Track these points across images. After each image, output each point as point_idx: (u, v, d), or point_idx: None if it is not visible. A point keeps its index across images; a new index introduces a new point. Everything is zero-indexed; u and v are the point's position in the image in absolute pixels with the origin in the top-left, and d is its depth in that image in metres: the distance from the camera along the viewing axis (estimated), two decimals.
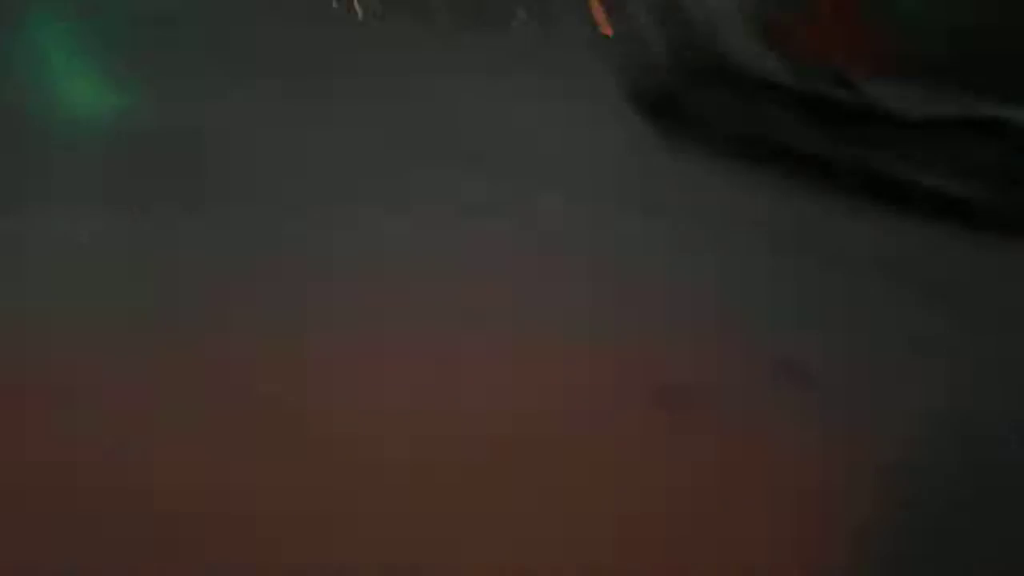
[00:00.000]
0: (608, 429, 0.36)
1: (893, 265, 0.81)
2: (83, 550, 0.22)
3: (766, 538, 0.31)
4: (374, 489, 0.27)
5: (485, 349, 0.41)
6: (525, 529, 0.27)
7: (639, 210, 0.91)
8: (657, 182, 1.06)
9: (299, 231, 0.54)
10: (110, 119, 0.74)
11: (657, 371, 0.44)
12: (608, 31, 1.27)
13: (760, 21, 1.17)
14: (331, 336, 0.38)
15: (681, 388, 0.41)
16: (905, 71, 1.11)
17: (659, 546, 0.29)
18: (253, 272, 0.45)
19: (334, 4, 1.57)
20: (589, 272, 0.61)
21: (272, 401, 0.31)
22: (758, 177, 1.10)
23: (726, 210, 0.99)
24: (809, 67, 1.09)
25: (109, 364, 0.32)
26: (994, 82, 1.10)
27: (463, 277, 0.51)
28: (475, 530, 0.27)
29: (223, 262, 0.46)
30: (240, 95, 0.97)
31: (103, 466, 0.24)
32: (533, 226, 0.69)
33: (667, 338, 0.51)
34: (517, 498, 0.29)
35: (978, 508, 0.38)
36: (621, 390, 0.41)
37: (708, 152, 1.16)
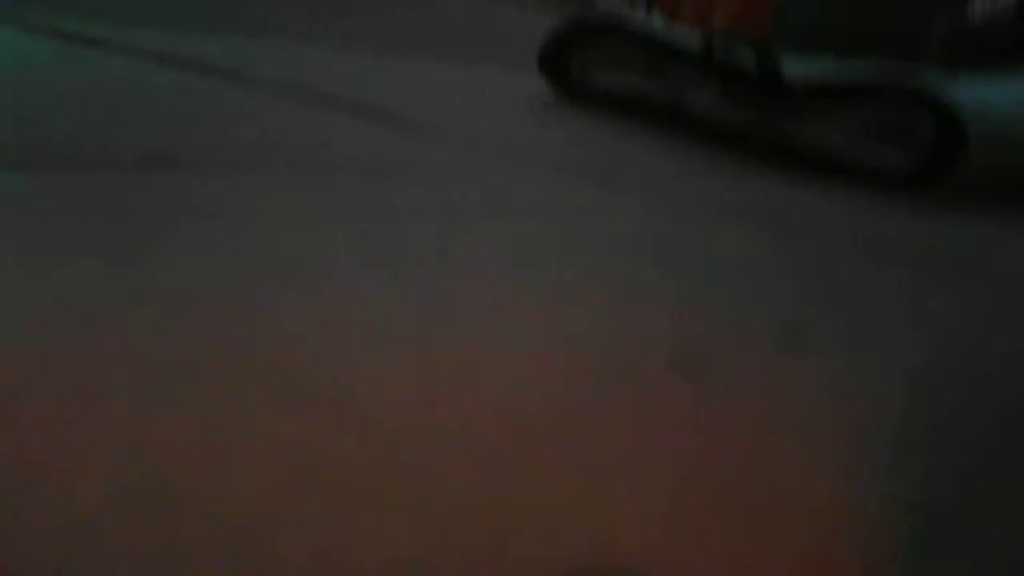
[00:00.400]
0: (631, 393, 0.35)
1: (829, 227, 0.81)
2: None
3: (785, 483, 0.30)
4: (395, 467, 0.26)
5: (496, 323, 0.40)
6: (553, 506, 0.26)
7: (578, 176, 0.90)
8: (572, 148, 1.06)
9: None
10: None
11: (671, 336, 0.43)
12: None
13: None
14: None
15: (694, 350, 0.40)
16: (782, 40, 1.15)
17: (686, 506, 0.28)
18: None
19: None
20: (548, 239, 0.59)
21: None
22: (657, 141, 1.11)
23: (649, 177, 0.99)
24: (710, 34, 1.11)
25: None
26: (863, 47, 1.15)
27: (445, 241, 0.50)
28: (503, 504, 0.25)
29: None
30: None
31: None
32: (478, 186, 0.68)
33: (673, 305, 0.49)
34: (548, 473, 0.27)
35: (974, 448, 0.38)
36: (640, 355, 0.39)
37: (603, 114, 1.18)
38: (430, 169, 0.70)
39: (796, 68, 1.11)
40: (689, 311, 0.48)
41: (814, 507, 0.30)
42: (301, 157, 0.65)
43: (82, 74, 0.82)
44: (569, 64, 1.26)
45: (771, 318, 0.48)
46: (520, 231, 0.57)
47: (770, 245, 0.68)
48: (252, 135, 0.70)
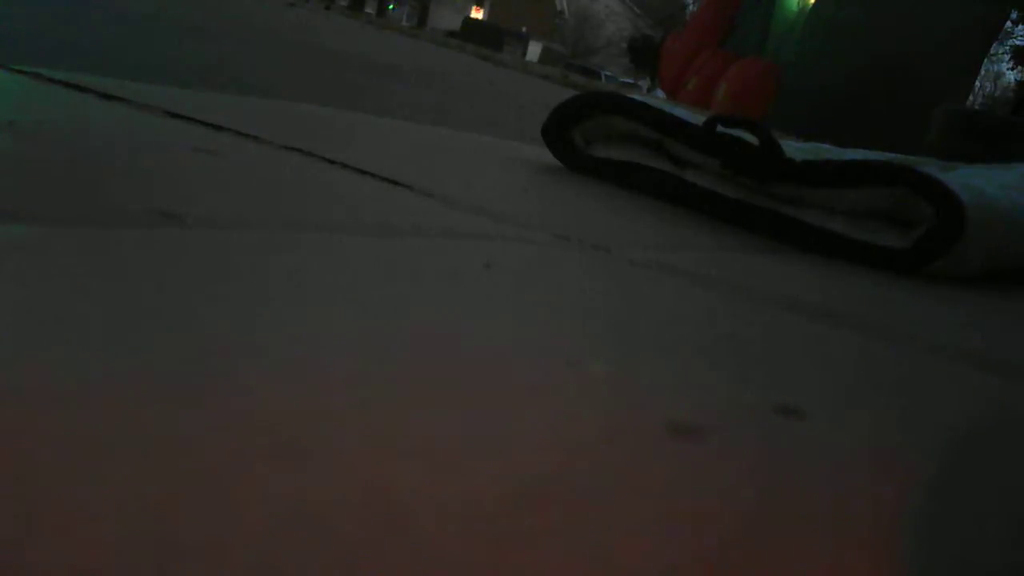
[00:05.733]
0: (624, 462, 0.35)
1: (817, 305, 0.82)
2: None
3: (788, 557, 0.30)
4: (380, 531, 0.26)
5: (489, 386, 0.40)
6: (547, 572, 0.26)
7: (565, 243, 0.91)
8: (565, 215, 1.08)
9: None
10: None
11: (663, 411, 0.43)
12: None
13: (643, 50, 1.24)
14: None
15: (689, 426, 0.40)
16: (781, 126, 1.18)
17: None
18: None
19: None
20: (541, 303, 0.60)
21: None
22: (656, 213, 1.12)
23: (647, 248, 1.00)
24: (728, 120, 1.13)
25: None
26: (873, 130, 1.17)
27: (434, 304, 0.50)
28: (495, 569, 0.25)
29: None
30: None
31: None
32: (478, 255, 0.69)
33: (666, 377, 0.50)
34: (536, 542, 0.27)
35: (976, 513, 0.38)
36: (631, 428, 0.40)
37: (602, 183, 1.19)
38: (434, 232, 0.71)
39: (796, 151, 1.13)
40: (682, 384, 0.48)
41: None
42: (306, 217, 0.66)
43: (93, 127, 0.83)
44: (572, 136, 1.29)
45: (766, 392, 0.48)
46: (518, 297, 0.58)
47: (764, 320, 0.69)
48: (259, 194, 0.71)
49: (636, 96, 1.30)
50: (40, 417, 0.27)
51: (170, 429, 0.29)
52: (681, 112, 1.22)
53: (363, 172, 0.85)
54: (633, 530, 0.30)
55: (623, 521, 0.31)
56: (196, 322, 0.40)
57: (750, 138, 1.11)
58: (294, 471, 0.28)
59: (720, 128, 1.12)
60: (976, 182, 1.12)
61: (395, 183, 0.83)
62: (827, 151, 1.29)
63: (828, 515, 0.35)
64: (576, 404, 0.41)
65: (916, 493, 0.41)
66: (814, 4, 11.19)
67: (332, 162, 0.86)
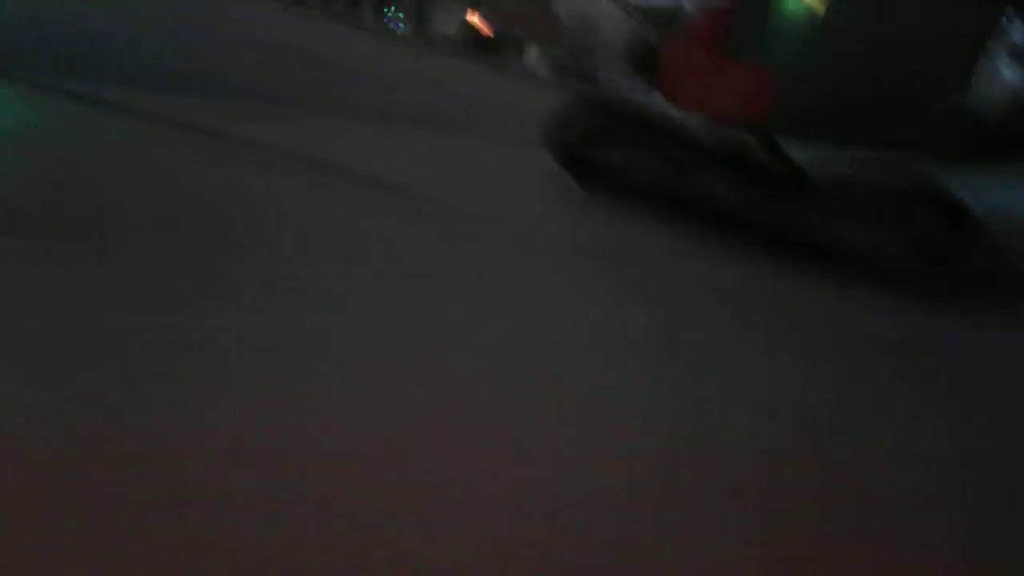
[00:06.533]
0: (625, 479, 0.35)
1: (825, 312, 0.81)
2: None
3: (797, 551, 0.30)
4: (391, 558, 0.26)
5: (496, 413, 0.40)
6: None
7: (574, 257, 0.91)
8: (583, 231, 1.07)
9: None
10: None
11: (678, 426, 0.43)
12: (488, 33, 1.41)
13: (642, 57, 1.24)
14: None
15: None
16: (787, 122, 1.16)
17: None
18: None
19: None
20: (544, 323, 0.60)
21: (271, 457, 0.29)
22: (658, 221, 1.12)
23: (656, 262, 0.99)
24: (729, 126, 1.12)
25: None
26: (874, 133, 1.16)
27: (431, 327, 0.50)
28: None
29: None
30: None
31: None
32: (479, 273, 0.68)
33: (677, 394, 0.49)
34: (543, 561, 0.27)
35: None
36: (647, 442, 0.39)
37: (622, 204, 1.18)
38: (434, 234, 0.71)
39: (800, 156, 1.12)
40: (684, 385, 0.48)
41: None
42: (307, 221, 0.66)
43: (92, 133, 0.83)
44: (573, 140, 1.28)
45: (783, 409, 0.48)
46: (518, 297, 0.58)
47: (767, 323, 0.69)
48: (259, 198, 0.70)
49: (635, 101, 1.30)
50: (38, 420, 0.27)
51: (169, 428, 0.29)
52: (681, 117, 1.21)
53: (365, 176, 0.85)
54: (633, 532, 0.30)
55: (622, 521, 0.30)
56: (196, 322, 0.40)
57: (753, 144, 1.11)
58: (298, 469, 0.28)
59: (722, 133, 1.11)
60: (990, 192, 1.11)
61: (396, 186, 0.83)
62: (830, 153, 1.28)
63: (826, 514, 0.35)
64: (576, 404, 0.41)
65: (915, 493, 0.41)
66: (814, 6, 11.17)
67: (333, 165, 0.86)
